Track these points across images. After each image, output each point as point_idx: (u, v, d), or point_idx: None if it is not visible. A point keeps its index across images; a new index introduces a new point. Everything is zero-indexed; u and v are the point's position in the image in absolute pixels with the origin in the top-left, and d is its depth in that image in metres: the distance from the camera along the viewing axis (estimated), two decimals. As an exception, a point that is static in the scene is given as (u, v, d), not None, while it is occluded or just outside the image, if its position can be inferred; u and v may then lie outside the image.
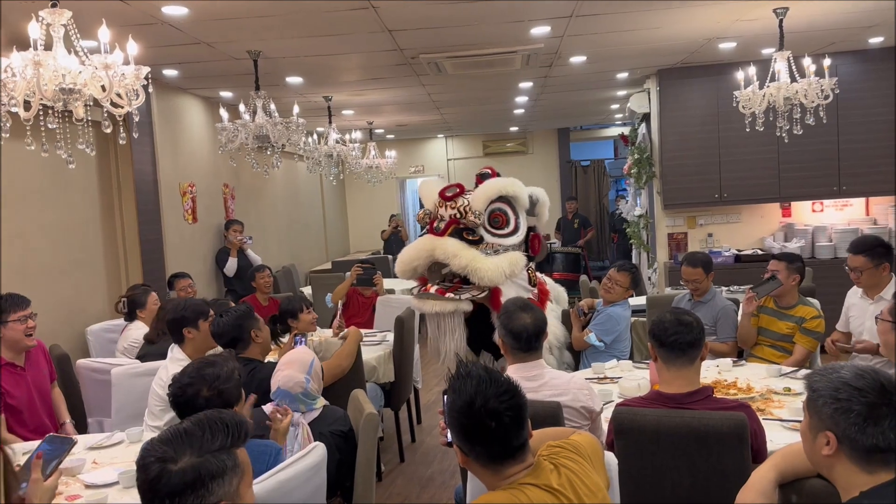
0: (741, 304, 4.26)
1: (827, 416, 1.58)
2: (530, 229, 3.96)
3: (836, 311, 4.17)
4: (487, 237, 3.68)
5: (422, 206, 4.08)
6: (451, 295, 3.59)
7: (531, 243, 3.92)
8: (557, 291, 4.66)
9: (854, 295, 3.99)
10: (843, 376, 1.60)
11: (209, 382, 2.33)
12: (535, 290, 4.06)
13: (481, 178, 3.96)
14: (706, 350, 2.57)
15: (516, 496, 1.64)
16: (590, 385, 2.90)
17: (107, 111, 2.97)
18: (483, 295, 3.62)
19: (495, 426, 1.67)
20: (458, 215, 3.65)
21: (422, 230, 3.85)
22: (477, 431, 1.69)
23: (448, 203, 3.71)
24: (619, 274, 4.41)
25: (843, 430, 1.56)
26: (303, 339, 3.92)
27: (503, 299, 3.57)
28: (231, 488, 1.46)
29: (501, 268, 3.57)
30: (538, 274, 4.30)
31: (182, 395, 2.32)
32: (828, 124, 5.39)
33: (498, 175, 3.96)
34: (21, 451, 3.00)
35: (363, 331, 5.34)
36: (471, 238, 3.63)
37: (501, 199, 3.75)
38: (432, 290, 3.59)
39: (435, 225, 3.68)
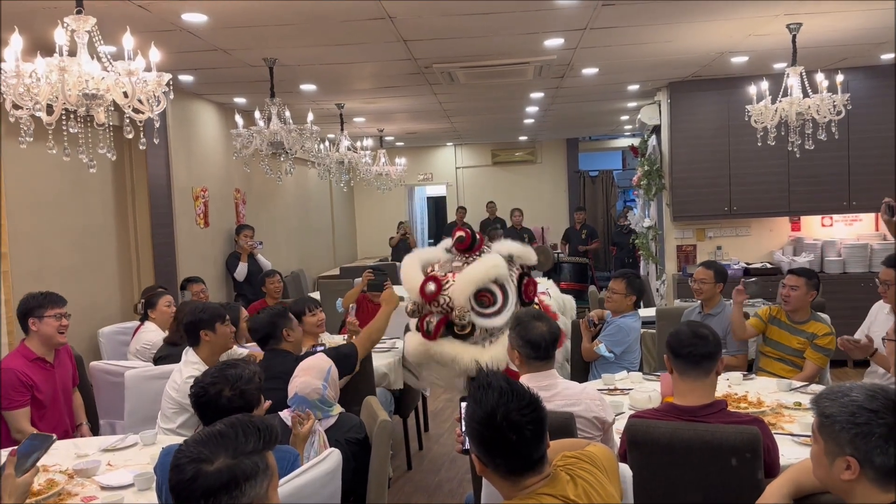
0: (733, 294, 4.36)
1: (846, 441, 1.58)
2: (524, 275, 3.83)
3: (844, 326, 4.18)
4: (479, 321, 3.55)
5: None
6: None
7: (525, 289, 3.80)
8: (564, 301, 4.67)
9: (881, 310, 3.99)
10: (855, 399, 1.59)
11: (231, 383, 2.36)
12: None
13: (459, 243, 3.76)
14: (721, 364, 2.58)
15: None
16: (602, 396, 2.92)
17: (128, 117, 3.01)
18: None
19: (516, 439, 1.67)
20: (443, 313, 3.55)
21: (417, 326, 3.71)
22: (497, 444, 1.69)
23: (432, 302, 3.58)
24: (615, 282, 4.46)
25: (865, 454, 1.56)
26: (320, 348, 3.88)
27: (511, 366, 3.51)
28: (262, 490, 1.48)
29: (501, 358, 3.45)
30: (543, 294, 4.26)
31: (204, 395, 2.34)
32: (838, 139, 5.40)
33: (472, 236, 3.75)
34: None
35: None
36: (463, 332, 3.54)
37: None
38: None
39: (426, 326, 3.58)
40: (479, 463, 1.75)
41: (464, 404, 2.00)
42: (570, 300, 4.85)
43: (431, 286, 3.59)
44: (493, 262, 3.66)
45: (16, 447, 2.35)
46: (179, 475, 1.44)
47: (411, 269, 3.74)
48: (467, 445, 1.96)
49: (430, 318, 3.57)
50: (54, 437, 2.25)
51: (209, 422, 2.32)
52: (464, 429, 2.00)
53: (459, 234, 3.77)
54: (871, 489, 1.57)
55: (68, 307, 4.92)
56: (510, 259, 3.76)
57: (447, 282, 3.60)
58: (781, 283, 4.23)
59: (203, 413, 2.35)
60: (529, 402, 1.72)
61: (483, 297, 3.57)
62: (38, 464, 2.34)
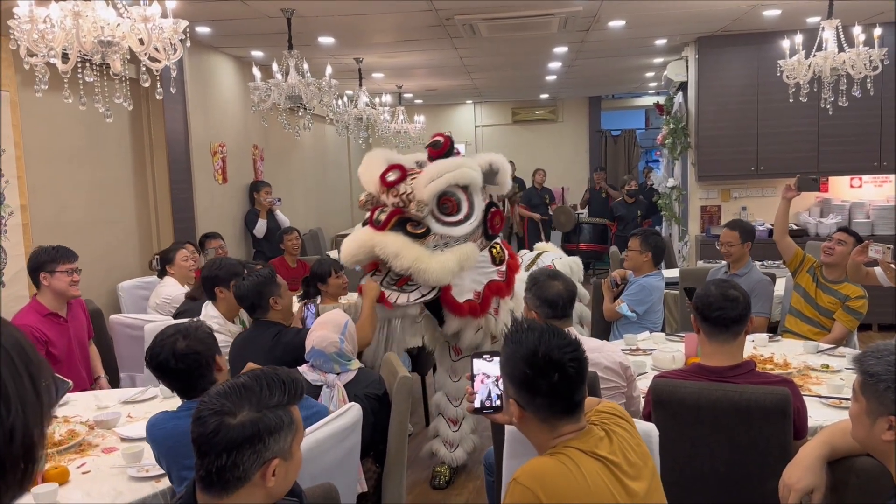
0: (782, 191, 4.37)
1: (891, 401, 1.53)
2: (491, 205, 3.50)
3: (871, 291, 4.06)
4: (436, 227, 3.21)
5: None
6: (400, 298, 3.24)
7: (490, 221, 3.46)
8: (570, 265, 4.56)
9: None
10: None
11: (182, 332, 2.29)
12: (503, 269, 3.65)
13: (433, 148, 3.41)
14: (751, 325, 2.51)
15: (565, 462, 1.61)
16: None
17: (144, 65, 2.94)
18: (433, 294, 3.29)
19: (559, 378, 1.64)
20: (400, 205, 3.20)
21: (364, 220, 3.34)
22: (540, 382, 1.66)
23: (390, 190, 3.23)
24: (632, 240, 4.42)
25: None
26: (312, 307, 3.77)
27: (455, 293, 3.37)
28: (286, 445, 1.45)
29: (449, 267, 3.17)
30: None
31: (160, 353, 2.26)
32: (870, 97, 5.21)
33: (451, 143, 3.44)
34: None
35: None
36: (416, 232, 3.19)
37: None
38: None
39: (375, 216, 3.22)
40: (517, 407, 1.70)
41: (475, 361, 1.95)
42: (576, 262, 4.71)
43: (394, 174, 3.26)
44: (468, 162, 3.32)
45: None
46: (202, 428, 1.41)
47: (374, 160, 3.38)
48: (477, 404, 1.91)
49: (384, 209, 3.22)
50: (70, 383, 2.20)
51: (175, 381, 2.28)
52: (475, 387, 1.95)
53: (437, 137, 3.44)
54: None
55: (87, 261, 4.94)
56: (490, 171, 3.42)
57: (413, 173, 3.27)
58: (829, 237, 4.21)
59: (164, 373, 2.28)
60: (570, 341, 1.70)
61: (447, 201, 3.24)
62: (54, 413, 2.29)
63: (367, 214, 3.30)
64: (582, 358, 1.70)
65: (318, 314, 3.52)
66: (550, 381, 1.64)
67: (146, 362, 2.33)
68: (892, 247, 3.65)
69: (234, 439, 1.39)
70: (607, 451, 1.65)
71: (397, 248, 3.12)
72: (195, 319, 2.58)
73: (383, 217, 3.19)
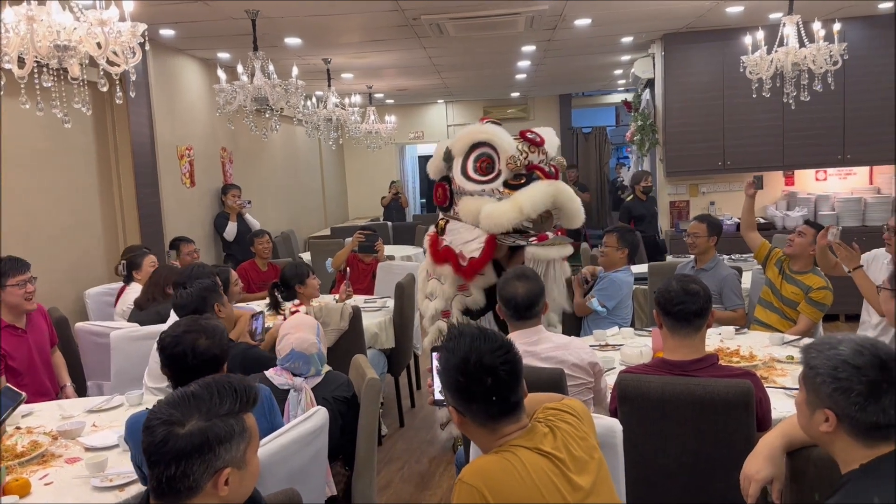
0: (744, 189, 4.56)
1: (826, 395, 1.54)
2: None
3: (837, 282, 4.14)
4: None
5: (451, 156, 4.05)
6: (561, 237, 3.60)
7: None
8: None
9: (882, 257, 3.99)
10: (841, 353, 1.55)
11: (206, 331, 2.29)
12: None
13: (528, 137, 3.85)
14: (712, 318, 2.54)
15: (509, 459, 1.62)
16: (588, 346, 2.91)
17: (103, 70, 2.90)
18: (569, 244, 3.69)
19: (492, 382, 1.65)
20: (543, 162, 3.63)
21: (512, 179, 3.59)
22: (473, 389, 1.66)
23: (539, 149, 3.65)
24: (608, 237, 4.49)
25: (844, 410, 1.52)
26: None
27: None
28: (238, 453, 1.43)
29: None
30: None
31: (178, 345, 2.25)
32: (834, 91, 5.31)
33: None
34: (18, 414, 3.00)
35: (363, 297, 5.34)
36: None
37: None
38: (548, 237, 3.52)
39: (548, 169, 3.62)
40: (457, 414, 1.71)
41: (435, 354, 1.96)
42: None
43: (537, 137, 3.72)
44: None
45: None
46: (150, 437, 1.39)
47: (498, 129, 3.84)
48: (438, 396, 1.92)
49: (543, 162, 3.63)
50: (23, 395, 2.15)
51: (182, 373, 2.25)
52: (436, 380, 1.97)
53: (532, 133, 3.84)
54: (850, 443, 1.55)
55: (53, 268, 4.86)
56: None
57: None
58: (794, 229, 4.30)
59: (172, 365, 2.27)
60: (501, 344, 1.70)
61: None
62: (10, 425, 2.23)
63: (517, 173, 3.62)
64: (515, 360, 1.70)
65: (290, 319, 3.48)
66: (484, 387, 1.65)
67: (158, 348, 2.31)
68: (840, 227, 3.77)
69: (183, 449, 1.37)
70: (551, 446, 1.66)
71: (572, 193, 3.61)
72: (206, 316, 2.56)
73: (554, 170, 3.67)
